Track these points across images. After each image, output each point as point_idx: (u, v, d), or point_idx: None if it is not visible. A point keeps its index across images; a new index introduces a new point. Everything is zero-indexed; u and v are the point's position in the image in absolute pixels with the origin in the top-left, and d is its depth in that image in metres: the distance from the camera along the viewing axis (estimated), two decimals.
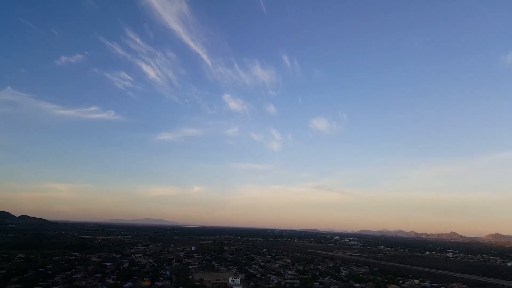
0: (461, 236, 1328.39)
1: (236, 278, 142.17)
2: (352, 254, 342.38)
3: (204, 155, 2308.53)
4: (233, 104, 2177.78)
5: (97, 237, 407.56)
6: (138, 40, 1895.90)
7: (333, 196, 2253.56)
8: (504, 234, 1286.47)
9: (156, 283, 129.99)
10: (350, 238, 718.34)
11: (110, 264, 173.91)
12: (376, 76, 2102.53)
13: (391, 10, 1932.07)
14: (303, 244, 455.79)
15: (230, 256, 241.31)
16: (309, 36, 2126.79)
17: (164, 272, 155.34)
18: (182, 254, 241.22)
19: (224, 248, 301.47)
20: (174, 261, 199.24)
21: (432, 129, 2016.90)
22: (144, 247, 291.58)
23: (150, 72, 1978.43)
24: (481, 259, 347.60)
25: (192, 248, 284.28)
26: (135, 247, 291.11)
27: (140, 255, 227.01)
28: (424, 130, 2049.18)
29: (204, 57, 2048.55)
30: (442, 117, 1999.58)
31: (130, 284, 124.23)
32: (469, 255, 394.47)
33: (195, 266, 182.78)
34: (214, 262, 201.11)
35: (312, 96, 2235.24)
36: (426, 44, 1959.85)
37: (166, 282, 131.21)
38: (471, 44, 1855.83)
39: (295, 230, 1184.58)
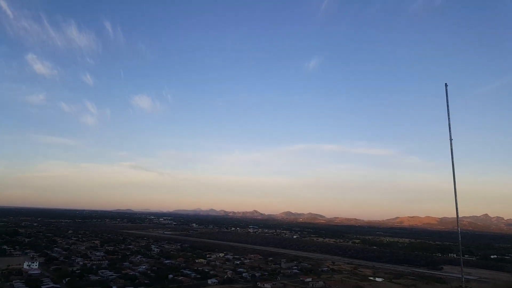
0: (261, 214, 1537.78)
1: (34, 262, 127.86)
2: (166, 232, 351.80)
3: None
4: (40, 67, 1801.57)
5: None
6: None
7: (151, 177, 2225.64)
8: (293, 212, 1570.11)
9: None
10: (165, 218, 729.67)
11: None
12: (202, 60, 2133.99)
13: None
14: (115, 225, 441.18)
15: (27, 240, 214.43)
16: (137, 7, 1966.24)
17: None
18: None
19: (20, 230, 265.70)
20: None
21: (246, 120, 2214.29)
22: None
23: None
24: (275, 233, 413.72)
25: None
26: None
27: None
28: (239, 120, 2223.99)
29: (3, 4, 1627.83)
30: (251, 109, 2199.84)
31: None
32: (266, 230, 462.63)
33: None
34: (5, 246, 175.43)
35: (136, 71, 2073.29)
36: (246, 43, 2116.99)
37: None
38: (280, 52, 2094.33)
39: (107, 211, 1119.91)
